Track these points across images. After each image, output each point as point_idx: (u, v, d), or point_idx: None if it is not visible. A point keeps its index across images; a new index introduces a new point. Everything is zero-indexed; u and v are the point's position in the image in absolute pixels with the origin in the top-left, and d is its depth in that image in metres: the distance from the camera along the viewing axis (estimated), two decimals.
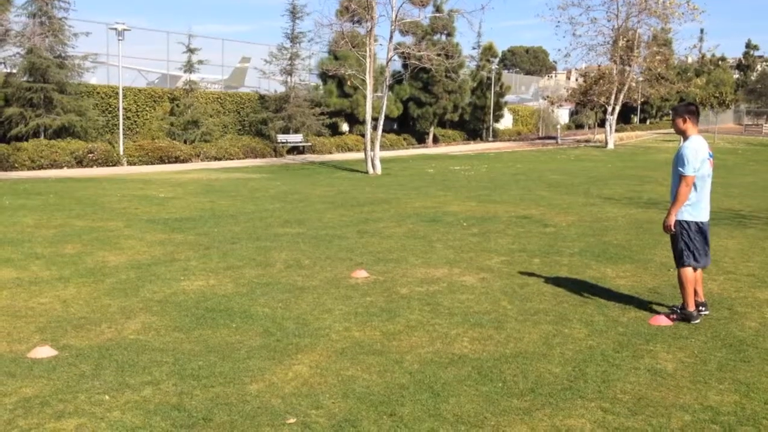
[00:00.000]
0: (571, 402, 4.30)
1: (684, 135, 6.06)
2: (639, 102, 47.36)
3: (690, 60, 62.05)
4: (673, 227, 5.94)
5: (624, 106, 43.06)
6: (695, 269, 6.07)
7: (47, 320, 5.85)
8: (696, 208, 5.96)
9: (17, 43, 21.62)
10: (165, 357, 4.99)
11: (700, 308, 6.11)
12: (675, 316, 6.01)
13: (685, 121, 5.99)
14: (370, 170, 21.50)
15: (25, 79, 21.90)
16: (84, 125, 22.80)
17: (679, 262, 6.04)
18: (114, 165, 22.20)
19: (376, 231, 10.42)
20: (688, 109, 6.03)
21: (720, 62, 71.65)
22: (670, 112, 6.01)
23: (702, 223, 6.02)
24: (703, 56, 66.36)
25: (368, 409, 4.16)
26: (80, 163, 21.49)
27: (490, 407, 4.21)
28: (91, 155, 21.75)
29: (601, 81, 38.94)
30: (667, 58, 39.86)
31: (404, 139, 36.70)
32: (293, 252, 8.78)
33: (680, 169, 5.86)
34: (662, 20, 36.67)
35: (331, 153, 30.34)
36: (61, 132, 22.16)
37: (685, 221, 5.97)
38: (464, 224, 11.10)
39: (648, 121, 68.06)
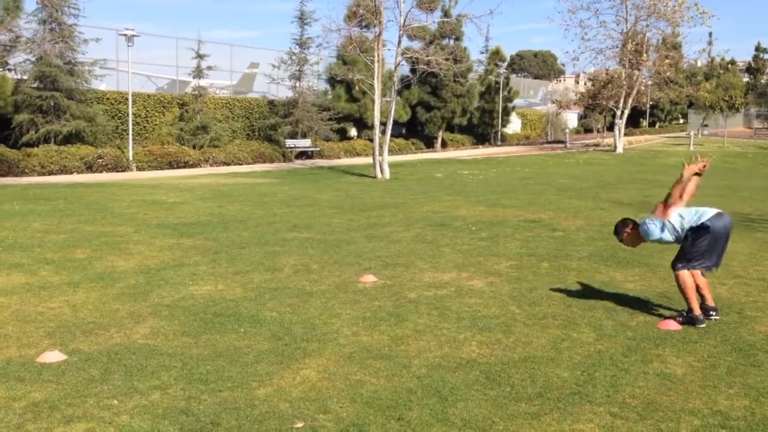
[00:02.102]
0: (579, 407, 4.28)
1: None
2: (648, 106, 47.24)
3: (699, 63, 61.87)
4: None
5: (633, 109, 42.95)
6: (704, 272, 6.07)
7: (56, 325, 5.87)
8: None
9: (27, 49, 21.78)
10: (173, 361, 5.01)
11: (711, 313, 6.08)
12: (681, 319, 5.99)
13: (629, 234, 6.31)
14: (379, 175, 21.51)
15: (35, 85, 22.05)
16: (93, 131, 22.94)
17: (674, 266, 6.07)
18: (123, 170, 22.31)
19: (384, 235, 10.42)
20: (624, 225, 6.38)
21: (729, 66, 71.34)
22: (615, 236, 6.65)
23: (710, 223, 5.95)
24: (713, 60, 66.13)
25: (376, 414, 4.16)
26: (90, 168, 21.61)
27: (498, 412, 4.19)
28: (100, 161, 21.86)
29: (609, 85, 38.86)
30: (676, 62, 39.74)
31: (413, 143, 36.73)
32: (301, 257, 8.79)
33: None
34: (671, 24, 36.59)
35: (339, 158, 30.40)
36: (71, 138, 22.29)
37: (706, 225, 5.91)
38: (473, 228, 11.09)
39: (657, 125, 67.86)
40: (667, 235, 6.06)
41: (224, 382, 4.62)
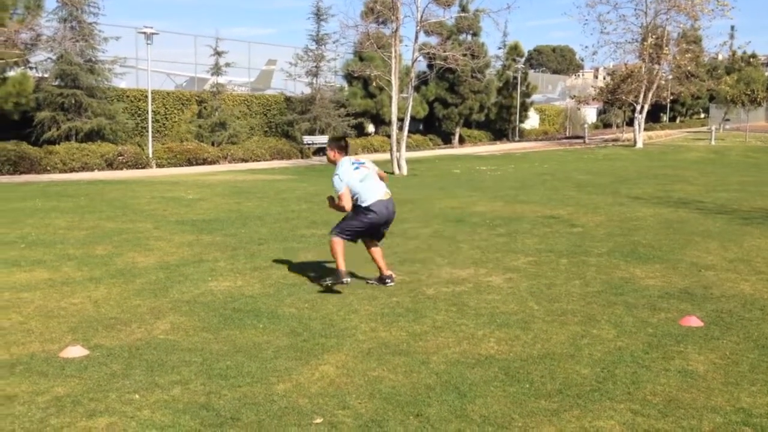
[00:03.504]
0: (599, 403, 4.25)
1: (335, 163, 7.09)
2: (668, 100, 46.78)
3: (720, 57, 60.99)
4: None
5: (653, 104, 42.50)
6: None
7: (79, 320, 5.94)
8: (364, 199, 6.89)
9: (48, 48, 22.00)
10: (193, 357, 5.04)
11: (387, 281, 7.08)
12: (330, 282, 6.82)
13: (333, 152, 7.14)
14: (396, 171, 21.50)
15: (56, 83, 22.28)
16: (114, 128, 23.16)
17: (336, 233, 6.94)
18: (143, 167, 22.49)
19: (401, 231, 10.41)
20: (337, 144, 7.19)
21: (751, 59, 70.29)
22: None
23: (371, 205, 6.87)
24: (734, 53, 65.12)
25: (395, 410, 4.16)
26: (110, 165, 21.81)
27: (517, 408, 4.18)
28: (120, 158, 22.06)
29: (629, 79, 38.49)
30: (696, 56, 39.25)
31: (430, 139, 36.67)
32: (319, 253, 8.80)
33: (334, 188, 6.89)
34: (691, 17, 36.13)
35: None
36: (92, 135, 22.52)
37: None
38: (490, 224, 11.05)
39: (678, 120, 67.15)
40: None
41: (244, 378, 4.64)
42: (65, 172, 20.55)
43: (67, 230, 10.44)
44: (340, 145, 7.16)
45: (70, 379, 4.61)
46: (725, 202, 14.22)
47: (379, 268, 7.15)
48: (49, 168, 20.44)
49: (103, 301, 6.54)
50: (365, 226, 6.94)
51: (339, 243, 6.87)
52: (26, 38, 20.05)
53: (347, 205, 6.82)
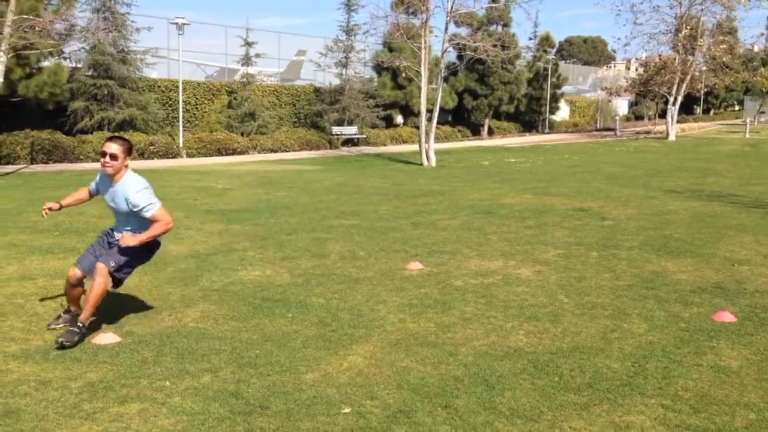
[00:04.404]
0: (630, 398, 4.21)
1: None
2: (702, 92, 45.93)
3: (756, 48, 59.78)
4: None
5: (686, 96, 41.80)
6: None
7: (111, 307, 6.02)
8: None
9: (82, 38, 22.29)
10: (223, 345, 5.09)
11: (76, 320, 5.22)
12: (78, 337, 5.02)
13: (128, 158, 5.31)
14: (425, 162, 21.45)
15: (89, 74, 22.58)
16: (145, 119, 23.40)
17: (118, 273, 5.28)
18: (174, 157, 22.72)
19: (430, 223, 10.39)
20: (130, 149, 5.33)
21: None
22: (117, 145, 5.22)
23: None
24: None
25: (423, 401, 4.16)
26: (142, 155, 22.05)
27: (546, 401, 4.15)
28: (152, 147, 22.30)
29: (662, 71, 37.89)
30: (732, 47, 38.48)
31: (459, 131, 36.49)
32: (348, 243, 8.83)
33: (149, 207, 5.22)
34: (727, 8, 35.42)
35: (385, 145, 30.38)
36: (124, 125, 22.79)
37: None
38: (520, 217, 10.97)
39: (711, 112, 66.03)
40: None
41: (273, 367, 4.67)
42: (97, 161, 20.75)
43: (99, 218, 10.58)
44: (131, 149, 5.38)
45: (103, 366, 4.68)
46: (759, 195, 13.95)
47: (83, 311, 5.23)
48: (82, 157, 20.74)
49: (134, 289, 6.63)
50: (140, 263, 5.59)
51: (108, 285, 5.21)
52: (60, 28, 20.31)
53: (170, 218, 5.31)
